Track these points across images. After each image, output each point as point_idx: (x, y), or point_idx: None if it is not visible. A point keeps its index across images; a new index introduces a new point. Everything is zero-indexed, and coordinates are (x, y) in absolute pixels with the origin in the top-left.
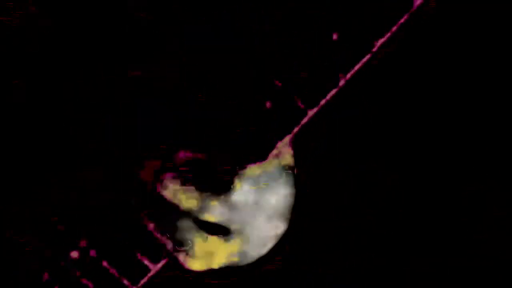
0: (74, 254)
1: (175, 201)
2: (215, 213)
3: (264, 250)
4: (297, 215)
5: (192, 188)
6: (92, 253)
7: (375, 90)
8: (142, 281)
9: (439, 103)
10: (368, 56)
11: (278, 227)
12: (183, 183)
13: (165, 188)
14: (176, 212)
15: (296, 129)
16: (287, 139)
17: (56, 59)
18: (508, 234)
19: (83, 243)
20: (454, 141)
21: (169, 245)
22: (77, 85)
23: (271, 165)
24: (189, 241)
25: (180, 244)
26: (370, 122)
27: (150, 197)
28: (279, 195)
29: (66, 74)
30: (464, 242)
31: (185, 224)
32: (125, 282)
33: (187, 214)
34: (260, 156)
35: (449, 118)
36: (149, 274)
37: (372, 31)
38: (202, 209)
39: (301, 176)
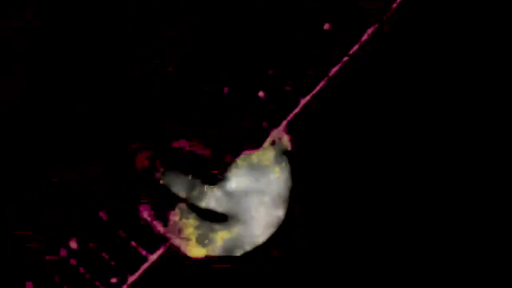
0: (73, 244)
1: (173, 188)
2: (213, 200)
3: (262, 238)
4: (292, 205)
5: (190, 175)
6: (90, 244)
7: (366, 79)
8: (139, 271)
9: (432, 91)
10: (359, 45)
11: (276, 215)
12: (180, 171)
13: (163, 175)
14: (173, 199)
15: (289, 117)
16: (281, 126)
17: (54, 57)
18: (508, 234)
19: (78, 235)
20: (453, 138)
21: (167, 232)
22: (75, 82)
23: (267, 152)
24: (187, 228)
25: (178, 231)
26: (362, 111)
27: (147, 186)
28: (277, 182)
29: (65, 72)
30: (464, 241)
31: (183, 211)
32: (123, 271)
33: (185, 201)
34: (255, 143)
35: (447, 112)
36: (146, 264)
37: (363, 20)
38: (200, 196)
39: (296, 165)
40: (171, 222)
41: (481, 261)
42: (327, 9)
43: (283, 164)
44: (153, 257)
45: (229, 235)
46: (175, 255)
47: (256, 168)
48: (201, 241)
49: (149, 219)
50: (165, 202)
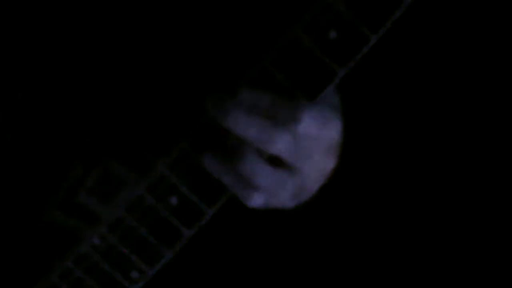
0: (96, 240)
1: (239, 132)
2: (279, 144)
3: (316, 188)
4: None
5: (258, 118)
6: (112, 239)
7: (371, 86)
8: (158, 265)
9: (435, 96)
10: (363, 51)
11: (330, 163)
12: (247, 113)
13: (227, 116)
14: (238, 145)
15: None
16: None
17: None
18: (508, 234)
19: (104, 230)
20: (453, 139)
21: (229, 181)
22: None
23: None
24: (251, 175)
25: (241, 179)
26: (367, 117)
27: (210, 133)
28: (335, 131)
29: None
30: (464, 242)
31: (248, 157)
32: (143, 267)
33: (250, 146)
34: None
35: (448, 114)
36: (165, 258)
37: (367, 26)
38: (267, 140)
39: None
40: (234, 169)
41: (481, 261)
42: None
43: (338, 116)
44: (172, 252)
45: (292, 183)
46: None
47: (319, 115)
48: (265, 188)
49: (212, 168)
50: (231, 149)
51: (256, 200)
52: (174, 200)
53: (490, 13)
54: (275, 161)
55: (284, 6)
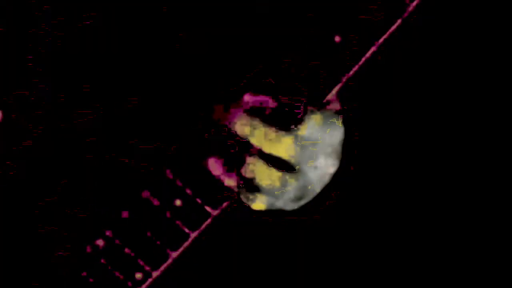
0: (100, 242)
1: (245, 136)
2: (284, 148)
3: (318, 189)
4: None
5: (262, 122)
6: (117, 241)
7: (375, 90)
8: (162, 267)
9: (437, 101)
10: (368, 56)
11: (332, 166)
12: (253, 118)
13: (236, 122)
14: (244, 148)
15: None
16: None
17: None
18: (508, 234)
19: (108, 233)
20: (453, 140)
21: (234, 183)
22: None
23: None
24: (256, 178)
25: (246, 183)
26: (370, 121)
27: (218, 137)
28: (336, 135)
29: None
30: (464, 242)
31: (253, 161)
32: (147, 268)
33: (257, 151)
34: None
35: (449, 117)
36: (168, 261)
37: (372, 32)
38: (272, 144)
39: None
40: (240, 172)
41: (481, 261)
42: (337, 21)
43: (339, 122)
44: (175, 254)
45: (295, 185)
46: (241, 207)
47: (322, 122)
48: (269, 191)
49: (217, 172)
50: (236, 155)
51: (260, 202)
52: (178, 202)
53: (489, 14)
54: (279, 164)
55: (286, 9)
